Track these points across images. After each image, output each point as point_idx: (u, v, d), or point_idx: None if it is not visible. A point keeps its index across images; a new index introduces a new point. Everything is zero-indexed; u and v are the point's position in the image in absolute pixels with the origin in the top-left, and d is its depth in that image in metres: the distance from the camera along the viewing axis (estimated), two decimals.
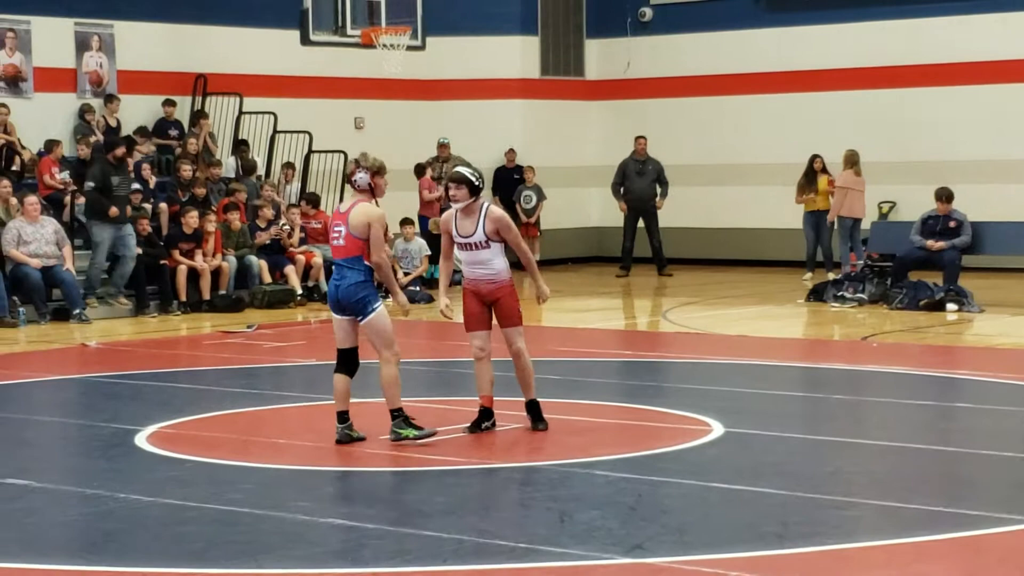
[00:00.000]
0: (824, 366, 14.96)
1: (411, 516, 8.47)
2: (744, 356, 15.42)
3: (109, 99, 22.81)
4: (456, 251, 10.97)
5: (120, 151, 20.07)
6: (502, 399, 11.28)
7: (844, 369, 14.60)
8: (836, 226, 23.36)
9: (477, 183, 10.83)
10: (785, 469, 9.76)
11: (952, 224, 20.16)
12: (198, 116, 23.41)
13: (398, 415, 10.42)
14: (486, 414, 10.97)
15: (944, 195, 20.28)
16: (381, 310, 10.42)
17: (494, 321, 11.02)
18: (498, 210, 10.96)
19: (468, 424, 10.98)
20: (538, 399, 11.13)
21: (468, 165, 25.32)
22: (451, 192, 10.83)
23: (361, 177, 10.46)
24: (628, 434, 11.18)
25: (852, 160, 23.17)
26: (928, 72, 25.27)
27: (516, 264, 11.56)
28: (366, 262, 10.35)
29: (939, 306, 19.38)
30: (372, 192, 10.49)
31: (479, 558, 7.50)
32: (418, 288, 22.13)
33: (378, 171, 10.50)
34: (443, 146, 25.79)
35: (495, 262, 10.87)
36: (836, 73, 26.19)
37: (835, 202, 23.28)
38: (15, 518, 8.52)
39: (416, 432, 10.38)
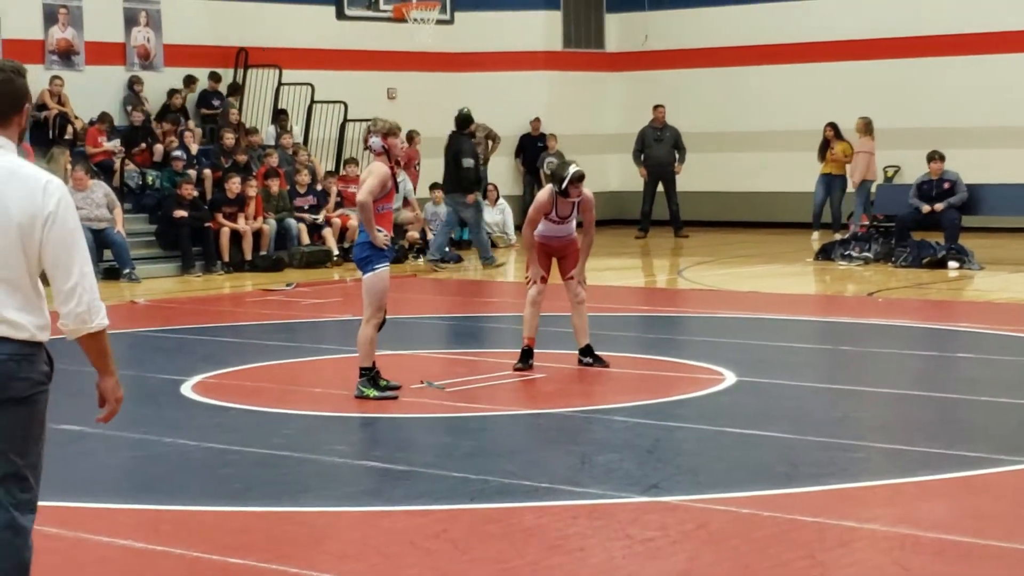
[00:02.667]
0: (832, 320, 14.92)
1: (440, 459, 8.49)
2: (756, 311, 15.38)
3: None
4: (543, 221, 11.38)
5: None
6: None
7: (851, 322, 14.56)
8: (854, 189, 23.37)
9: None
10: (795, 415, 9.75)
11: (946, 185, 20.11)
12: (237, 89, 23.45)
13: (364, 373, 10.24)
14: (530, 352, 11.34)
15: (936, 156, 20.24)
16: (380, 272, 10.20)
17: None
18: (589, 193, 11.43)
19: (517, 361, 11.32)
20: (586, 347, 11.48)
21: (492, 134, 25.52)
22: (577, 190, 11.19)
23: (374, 141, 10.31)
24: (645, 383, 11.17)
25: (869, 127, 23.21)
26: (932, 43, 25.12)
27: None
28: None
29: (941, 264, 19.31)
30: (388, 154, 10.33)
31: (504, 497, 7.52)
32: (448, 249, 22.12)
33: (389, 132, 10.31)
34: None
35: (573, 225, 11.53)
36: (844, 44, 26.06)
37: (859, 166, 23.25)
38: (70, 461, 8.55)
39: (376, 392, 10.18)
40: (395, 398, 10.21)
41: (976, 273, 18.94)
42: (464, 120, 21.36)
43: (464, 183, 21.04)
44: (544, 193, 11.44)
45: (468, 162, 20.92)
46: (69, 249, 4.79)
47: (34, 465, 4.87)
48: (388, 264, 10.33)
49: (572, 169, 11.21)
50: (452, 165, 21.14)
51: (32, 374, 4.82)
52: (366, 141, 10.53)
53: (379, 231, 10.14)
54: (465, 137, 21.29)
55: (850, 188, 23.57)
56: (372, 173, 10.23)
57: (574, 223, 11.53)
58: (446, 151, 21.45)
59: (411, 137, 24.41)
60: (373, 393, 10.18)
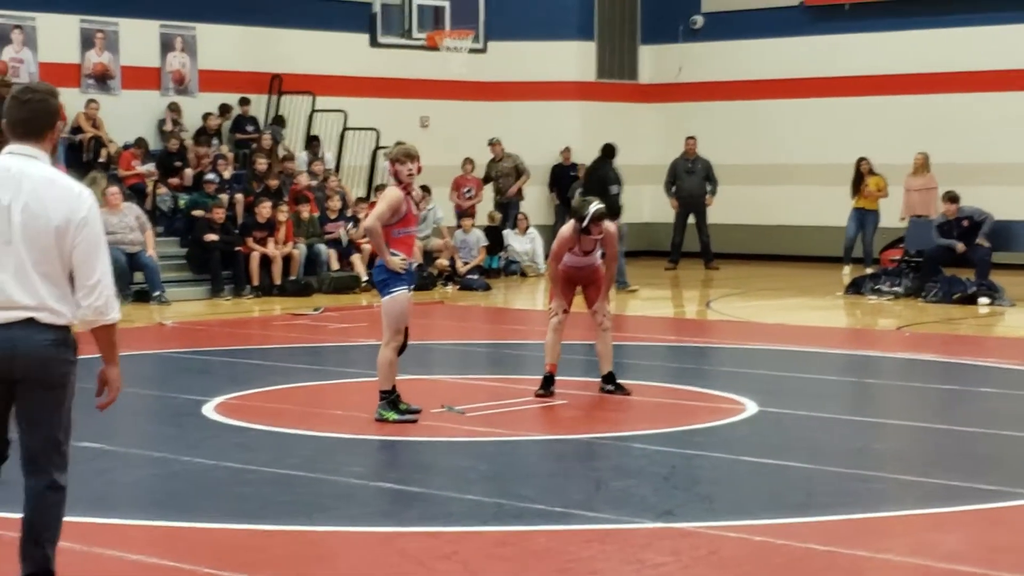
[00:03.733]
0: (858, 352, 14.88)
1: (455, 481, 8.49)
2: (783, 343, 15.36)
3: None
4: (568, 255, 11.47)
5: None
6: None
7: (877, 356, 14.52)
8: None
9: None
10: (813, 445, 9.74)
11: (965, 223, 20.10)
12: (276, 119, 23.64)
13: (384, 396, 10.28)
14: (551, 379, 11.41)
15: (947, 198, 20.27)
16: (396, 296, 10.18)
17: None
18: (612, 227, 11.52)
19: (538, 388, 11.39)
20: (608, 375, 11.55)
21: (520, 167, 25.58)
22: (599, 228, 11.27)
23: (388, 166, 10.50)
24: (665, 411, 11.16)
25: (927, 162, 23.20)
26: (965, 78, 25.09)
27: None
28: (391, 247, 10.23)
29: (972, 300, 19.25)
30: (396, 178, 10.32)
31: (517, 520, 7.52)
32: (476, 276, 22.20)
33: (395, 158, 10.29)
34: (494, 145, 25.68)
35: (595, 256, 11.58)
36: (876, 79, 26.05)
37: (916, 202, 23.07)
38: (90, 477, 8.58)
39: (396, 416, 10.20)
40: (415, 422, 10.22)
41: (1007, 309, 18.85)
42: (608, 150, 21.89)
43: (610, 209, 21.27)
44: (567, 229, 11.47)
45: (614, 188, 21.34)
46: (95, 250, 5.60)
47: (68, 429, 5.68)
48: (407, 288, 10.27)
49: (592, 208, 11.27)
50: (597, 191, 21.34)
51: (68, 355, 5.60)
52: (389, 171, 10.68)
53: (395, 254, 10.17)
54: (609, 164, 21.75)
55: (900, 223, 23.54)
56: (383, 198, 10.30)
57: (598, 253, 11.58)
58: (588, 177, 21.88)
59: (464, 165, 24.66)
60: (393, 416, 10.20)
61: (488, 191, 25.47)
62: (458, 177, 25.01)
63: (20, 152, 5.62)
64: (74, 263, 5.56)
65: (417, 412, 10.37)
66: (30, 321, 5.52)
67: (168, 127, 22.48)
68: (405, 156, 10.22)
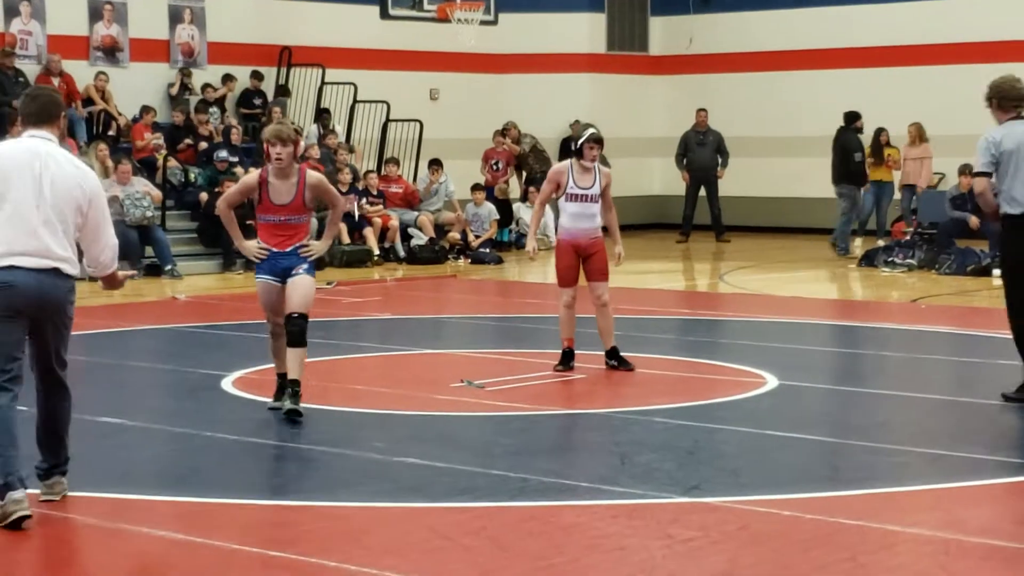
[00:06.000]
0: (875, 325, 14.84)
1: (480, 457, 8.46)
2: (797, 316, 15.32)
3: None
4: (564, 203, 11.24)
5: None
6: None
7: (894, 328, 14.48)
8: (911, 194, 23.51)
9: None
10: (836, 419, 9.71)
11: None
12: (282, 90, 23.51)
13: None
14: (571, 354, 11.32)
15: (966, 170, 20.24)
16: (257, 283, 9.70)
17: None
18: (606, 168, 11.46)
19: (557, 363, 11.32)
20: (612, 350, 11.43)
21: (538, 147, 25.53)
22: (593, 152, 11.19)
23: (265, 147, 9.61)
24: (686, 385, 11.13)
25: (923, 133, 23.60)
26: (977, 49, 24.95)
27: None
28: (259, 235, 9.64)
29: (985, 272, 19.19)
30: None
31: (543, 495, 7.50)
32: (488, 250, 22.16)
33: (266, 139, 9.48)
34: (509, 129, 25.47)
35: (599, 217, 11.36)
36: (885, 50, 25.92)
37: (925, 172, 23.36)
38: (111, 453, 8.60)
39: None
40: (276, 410, 9.60)
41: None
42: (851, 116, 22.89)
43: (853, 175, 22.70)
44: (559, 164, 11.54)
45: (857, 155, 22.59)
46: (103, 218, 7.15)
47: (67, 344, 7.17)
48: (268, 277, 9.56)
49: (589, 131, 11.25)
50: (840, 157, 22.69)
51: (73, 298, 7.11)
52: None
53: (258, 244, 9.58)
54: (852, 132, 22.76)
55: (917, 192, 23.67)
56: (240, 180, 9.73)
57: (598, 217, 11.36)
58: (834, 144, 22.74)
59: (505, 132, 24.49)
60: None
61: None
62: (488, 150, 24.93)
63: (40, 135, 7.08)
64: (88, 227, 7.06)
65: (278, 409, 9.57)
66: (56, 271, 6.93)
67: (175, 91, 22.33)
68: (276, 138, 9.38)
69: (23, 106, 7.21)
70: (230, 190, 9.87)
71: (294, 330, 9.46)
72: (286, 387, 9.54)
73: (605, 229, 11.52)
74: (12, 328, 6.91)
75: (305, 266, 9.54)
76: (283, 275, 9.53)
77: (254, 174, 9.67)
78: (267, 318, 9.75)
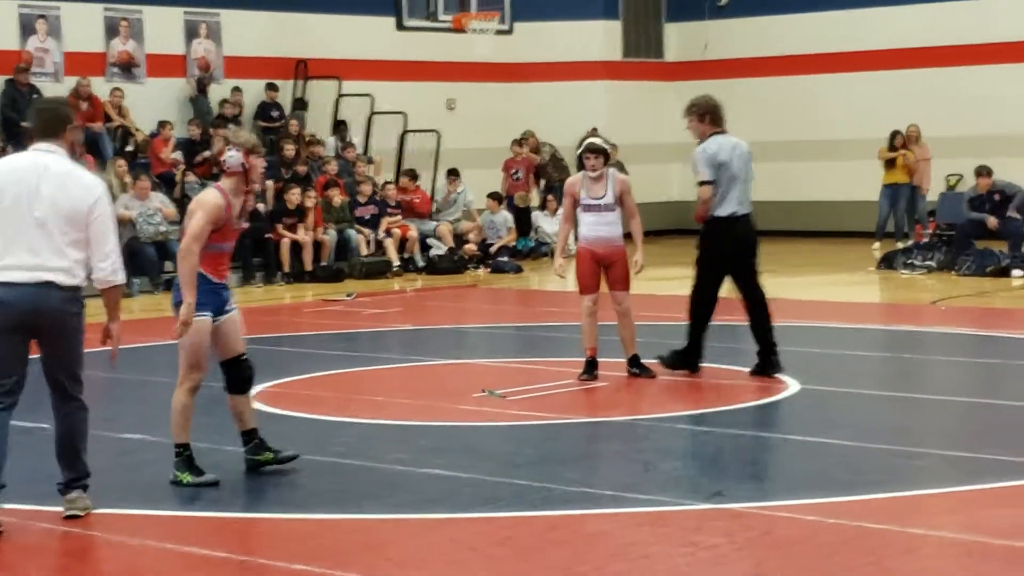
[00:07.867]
0: (895, 328, 14.81)
1: (502, 467, 8.45)
2: (818, 319, 15.29)
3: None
4: (581, 214, 11.27)
5: None
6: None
7: (914, 331, 14.45)
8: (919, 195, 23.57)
9: (608, 153, 11.32)
10: (858, 423, 9.68)
11: (997, 197, 20.05)
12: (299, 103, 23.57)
13: (178, 453, 8.18)
14: (594, 363, 11.27)
15: (983, 172, 20.23)
16: (197, 323, 7.97)
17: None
18: (623, 175, 11.41)
19: (581, 372, 11.26)
20: (633, 357, 11.43)
21: (557, 155, 25.53)
22: (591, 162, 11.14)
23: (232, 156, 8.07)
24: (709, 391, 11.12)
25: (919, 134, 23.58)
26: (997, 50, 24.93)
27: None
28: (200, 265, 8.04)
29: (1004, 272, 19.15)
30: (246, 176, 8.11)
31: (567, 504, 7.49)
32: (506, 258, 22.17)
33: (252, 149, 8.17)
34: (527, 139, 25.51)
35: (618, 225, 11.32)
36: (905, 52, 25.89)
37: (927, 174, 23.43)
38: (133, 469, 8.61)
39: (191, 478, 8.06)
40: (214, 485, 8.07)
41: None
42: None
43: None
44: (572, 177, 11.58)
45: None
46: (107, 227, 7.13)
47: (81, 362, 7.20)
48: (210, 314, 8.05)
49: (587, 141, 11.33)
50: None
51: (77, 309, 7.12)
52: (218, 156, 8.23)
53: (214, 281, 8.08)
54: None
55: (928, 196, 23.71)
56: (200, 206, 7.96)
57: (620, 227, 11.39)
58: None
59: (523, 142, 24.45)
60: (188, 478, 8.05)
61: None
62: (508, 159, 24.94)
63: (43, 149, 7.20)
64: (91, 237, 7.06)
65: (215, 483, 8.09)
66: (50, 284, 6.99)
67: (194, 95, 22.39)
68: (261, 148, 8.37)
69: (30, 120, 7.46)
70: (197, 224, 7.90)
71: (248, 375, 8.35)
72: (251, 441, 8.38)
73: (629, 236, 11.51)
74: (6, 343, 7.01)
75: (234, 298, 8.40)
76: (220, 312, 8.22)
77: (214, 194, 8.05)
78: (190, 370, 8.09)
